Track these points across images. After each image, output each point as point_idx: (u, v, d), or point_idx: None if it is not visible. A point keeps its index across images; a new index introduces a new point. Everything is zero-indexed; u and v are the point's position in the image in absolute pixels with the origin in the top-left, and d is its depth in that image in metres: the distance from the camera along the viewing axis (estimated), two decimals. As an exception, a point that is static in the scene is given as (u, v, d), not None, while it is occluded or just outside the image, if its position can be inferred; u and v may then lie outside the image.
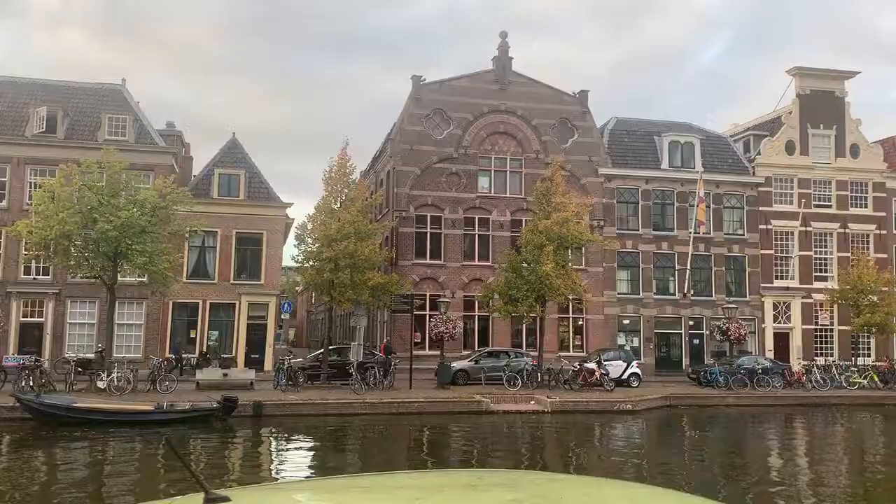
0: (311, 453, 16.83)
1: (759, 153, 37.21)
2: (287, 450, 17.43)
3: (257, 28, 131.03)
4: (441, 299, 29.22)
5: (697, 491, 13.15)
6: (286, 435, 18.67)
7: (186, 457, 11.50)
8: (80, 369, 24.25)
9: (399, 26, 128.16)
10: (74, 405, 19.07)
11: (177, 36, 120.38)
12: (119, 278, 24.90)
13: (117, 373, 22.74)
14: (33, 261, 28.50)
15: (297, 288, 63.62)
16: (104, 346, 25.05)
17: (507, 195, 34.19)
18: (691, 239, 34.75)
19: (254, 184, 32.12)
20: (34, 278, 29.46)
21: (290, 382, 24.05)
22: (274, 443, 18.24)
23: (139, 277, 26.38)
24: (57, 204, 23.28)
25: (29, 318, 29.38)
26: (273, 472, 14.45)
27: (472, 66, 35.85)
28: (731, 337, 30.31)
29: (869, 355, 35.41)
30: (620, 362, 28.84)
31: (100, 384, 22.51)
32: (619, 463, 16.25)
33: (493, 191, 34.25)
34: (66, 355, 27.18)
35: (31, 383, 21.71)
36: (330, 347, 27.96)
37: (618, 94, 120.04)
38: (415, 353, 29.04)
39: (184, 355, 28.96)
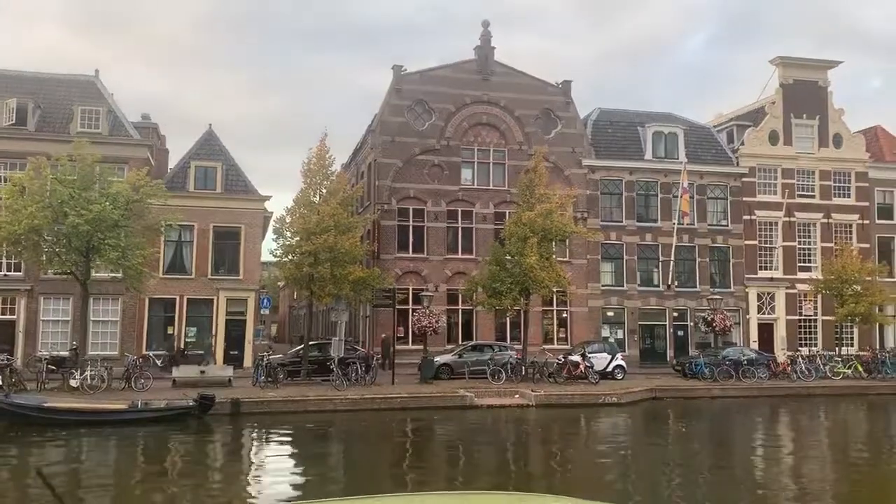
0: (286, 452, 16.37)
1: (742, 143, 37.12)
2: (261, 449, 16.98)
3: (240, 21, 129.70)
4: (424, 293, 28.84)
5: (682, 488, 12.88)
6: (263, 433, 18.20)
7: (57, 487, 10.82)
8: (52, 368, 23.63)
9: (384, 18, 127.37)
10: (45, 405, 18.51)
11: (158, 31, 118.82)
12: (93, 274, 24.34)
13: (91, 371, 22.18)
14: (3, 256, 27.77)
15: (279, 283, 62.98)
16: (78, 344, 24.46)
17: (491, 187, 33.87)
18: (675, 230, 34.63)
19: (231, 176, 31.49)
20: (5, 274, 28.72)
21: (270, 379, 23.66)
22: (249, 442, 17.79)
23: (113, 273, 25.74)
24: (26, 198, 22.67)
25: (0, 316, 28.64)
26: (245, 473, 14.02)
27: (456, 59, 35.12)
28: (716, 328, 30.27)
29: (852, 345, 35.48)
30: (605, 355, 28.70)
31: (72, 383, 21.93)
32: (604, 458, 15.99)
33: (476, 183, 33.89)
34: (39, 353, 26.51)
35: (1, 382, 21.10)
36: (311, 343, 27.55)
37: (602, 87, 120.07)
38: (398, 347, 28.82)
39: (184, 352, 28.24)
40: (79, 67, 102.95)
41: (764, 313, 35.93)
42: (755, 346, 33.85)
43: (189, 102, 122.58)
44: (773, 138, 37.11)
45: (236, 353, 30.18)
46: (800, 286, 36.02)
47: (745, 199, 36.29)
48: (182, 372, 24.39)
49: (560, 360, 26.72)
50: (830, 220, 37.08)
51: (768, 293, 36.02)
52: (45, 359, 24.19)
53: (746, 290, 35.73)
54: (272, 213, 31.19)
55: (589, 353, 27.79)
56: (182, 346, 29.53)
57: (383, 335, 30.51)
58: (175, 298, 30.03)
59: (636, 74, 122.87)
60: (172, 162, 34.40)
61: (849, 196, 37.63)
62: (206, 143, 32.38)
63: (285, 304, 73.94)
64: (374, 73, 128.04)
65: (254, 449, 16.99)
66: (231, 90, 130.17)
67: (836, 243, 35.78)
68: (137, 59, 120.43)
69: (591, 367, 26.44)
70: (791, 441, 19.11)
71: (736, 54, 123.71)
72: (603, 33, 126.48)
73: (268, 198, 32.01)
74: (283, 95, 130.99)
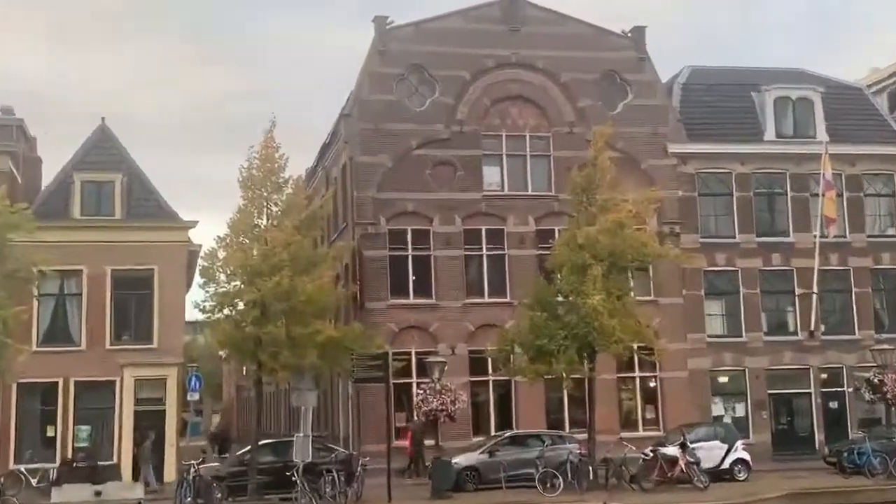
0: None
1: (913, 109, 37.09)
2: None
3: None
4: (433, 358, 28.76)
5: None
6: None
7: None
8: None
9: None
10: None
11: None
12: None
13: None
14: None
15: (220, 353, 63.10)
16: None
17: (529, 192, 34.07)
18: (817, 246, 34.45)
19: (136, 194, 31.96)
20: None
21: (200, 500, 23.61)
22: None
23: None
24: None
25: None
26: None
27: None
28: (888, 395, 29.89)
29: None
30: (717, 443, 28.71)
31: None
32: None
33: (506, 187, 34.10)
34: None
35: None
36: (262, 443, 27.48)
37: (687, 44, 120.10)
38: (395, 444, 28.57)
39: (98, 463, 28.48)
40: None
41: (963, 369, 35.36)
42: (951, 420, 33.32)
43: (99, 92, 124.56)
44: (963, 98, 37.09)
45: (152, 462, 29.90)
46: None
47: (922, 193, 36.13)
48: (66, 495, 24.36)
49: (648, 454, 26.60)
50: None
51: (968, 337, 35.49)
52: None
53: (933, 333, 35.30)
54: (200, 245, 31.22)
55: (692, 441, 27.60)
56: (70, 455, 29.49)
57: (408, 424, 30.41)
58: (57, 382, 30.21)
59: (736, 23, 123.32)
60: (50, 173, 34.61)
61: None
62: (98, 145, 32.99)
63: (231, 386, 73.94)
64: (356, 36, 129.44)
65: None
66: (160, 72, 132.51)
67: None
68: (27, 33, 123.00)
69: (697, 463, 26.36)
70: None
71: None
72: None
73: (192, 224, 32.35)
74: (229, 75, 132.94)
